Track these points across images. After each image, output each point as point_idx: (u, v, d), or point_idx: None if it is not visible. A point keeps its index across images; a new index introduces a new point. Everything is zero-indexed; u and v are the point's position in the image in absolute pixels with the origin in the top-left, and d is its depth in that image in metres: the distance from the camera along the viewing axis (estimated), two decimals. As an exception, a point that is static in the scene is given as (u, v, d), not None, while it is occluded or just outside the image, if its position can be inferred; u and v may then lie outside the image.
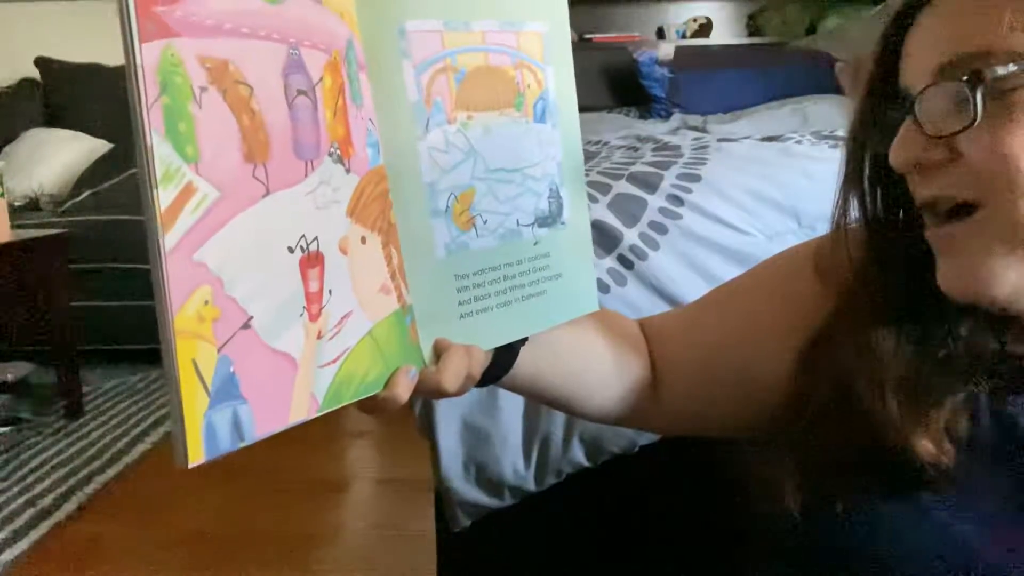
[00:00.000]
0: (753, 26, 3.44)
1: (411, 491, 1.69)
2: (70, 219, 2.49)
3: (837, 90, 2.54)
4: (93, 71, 3.34)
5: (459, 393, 0.51)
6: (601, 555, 0.91)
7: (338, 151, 0.44)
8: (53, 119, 3.27)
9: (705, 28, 3.41)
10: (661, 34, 3.49)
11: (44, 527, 1.58)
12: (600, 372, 0.62)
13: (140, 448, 1.95)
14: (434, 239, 0.50)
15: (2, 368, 2.31)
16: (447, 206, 0.50)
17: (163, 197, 0.35)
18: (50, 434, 2.05)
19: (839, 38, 2.85)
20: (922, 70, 0.43)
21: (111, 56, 3.37)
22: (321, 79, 0.43)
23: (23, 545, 1.52)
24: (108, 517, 1.66)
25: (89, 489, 1.74)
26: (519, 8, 0.54)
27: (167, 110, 0.36)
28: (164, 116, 0.36)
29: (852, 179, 0.50)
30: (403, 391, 0.47)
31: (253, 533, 1.60)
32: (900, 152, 0.43)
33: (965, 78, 0.40)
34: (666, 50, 3.15)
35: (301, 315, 0.41)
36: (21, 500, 1.69)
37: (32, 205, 2.85)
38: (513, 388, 0.60)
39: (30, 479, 1.79)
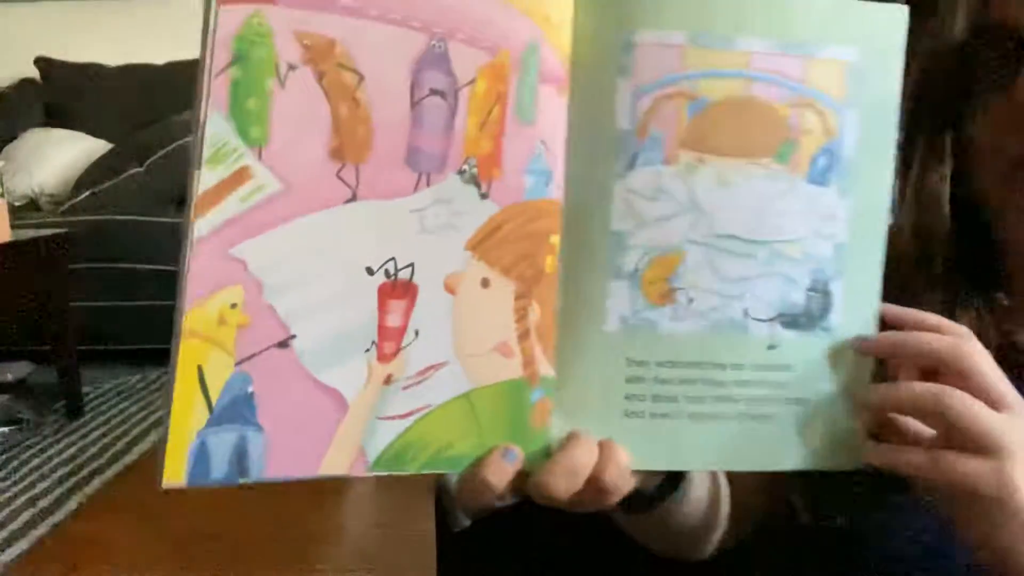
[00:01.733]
0: (753, 26, 3.43)
1: (411, 491, 1.69)
2: (70, 219, 2.48)
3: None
4: (93, 71, 3.34)
5: (569, 506, 0.39)
6: (602, 554, 0.91)
7: (474, 169, 0.37)
8: (53, 119, 3.27)
9: (705, 28, 3.40)
10: (661, 34, 3.48)
11: (44, 527, 1.58)
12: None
13: (140, 448, 1.94)
14: (606, 305, 0.40)
15: (2, 368, 2.30)
16: (636, 268, 0.40)
17: (206, 178, 0.31)
18: (50, 434, 2.04)
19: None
20: None
21: (111, 56, 3.37)
22: (473, 81, 0.36)
23: (23, 545, 1.52)
24: (108, 517, 1.66)
25: (89, 489, 1.73)
26: (816, 25, 0.40)
27: (235, 84, 0.31)
28: (230, 89, 0.31)
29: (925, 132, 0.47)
30: (494, 477, 0.37)
31: (253, 533, 1.59)
32: None
33: None
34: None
35: (368, 350, 0.35)
36: (21, 500, 1.69)
37: (32, 205, 2.85)
38: (631, 526, 0.48)
39: (30, 479, 1.79)
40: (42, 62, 3.39)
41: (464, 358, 0.38)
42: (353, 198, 0.34)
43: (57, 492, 1.72)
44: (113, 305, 2.44)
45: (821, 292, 0.41)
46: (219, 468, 0.33)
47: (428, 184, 0.36)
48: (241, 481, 0.33)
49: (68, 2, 3.55)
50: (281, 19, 0.31)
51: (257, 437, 0.33)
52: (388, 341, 0.35)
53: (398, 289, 0.35)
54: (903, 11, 0.40)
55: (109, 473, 1.81)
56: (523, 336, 0.39)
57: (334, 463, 0.35)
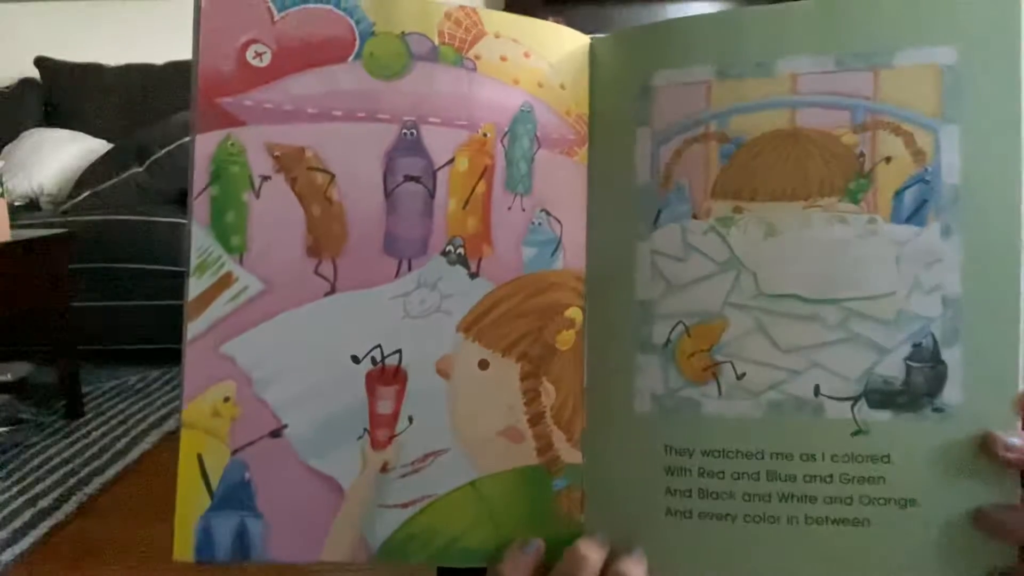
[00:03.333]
0: (753, 26, 3.43)
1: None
2: (70, 219, 2.48)
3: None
4: (93, 71, 3.34)
5: None
6: None
7: (460, 249, 0.36)
8: (53, 119, 3.27)
9: (705, 28, 3.41)
10: (661, 34, 3.48)
11: (44, 527, 1.58)
12: None
13: (140, 448, 1.94)
14: (635, 384, 0.35)
15: (2, 368, 2.30)
16: (668, 339, 0.34)
17: (194, 286, 0.34)
18: (50, 434, 2.04)
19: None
20: None
21: (111, 56, 3.37)
22: (451, 161, 0.36)
23: (23, 545, 1.52)
24: (108, 517, 1.66)
25: (89, 489, 1.73)
26: (888, 26, 0.32)
27: (214, 201, 0.34)
28: (210, 206, 0.34)
29: None
30: (513, 572, 0.35)
31: (253, 533, 1.59)
32: None
33: None
34: (666, 50, 3.15)
35: (360, 438, 0.36)
36: (21, 500, 1.69)
37: (32, 205, 2.85)
38: None
39: (30, 479, 1.79)
40: (42, 62, 3.39)
41: (466, 445, 0.36)
42: (332, 291, 0.35)
43: (57, 492, 1.72)
44: (113, 305, 2.44)
45: (928, 361, 0.32)
46: (223, 549, 0.34)
47: (410, 269, 0.36)
48: (245, 563, 0.34)
49: (68, 2, 3.55)
50: (251, 136, 0.34)
51: (256, 522, 0.35)
52: (381, 428, 0.36)
53: (386, 375, 0.36)
54: None
55: (109, 473, 1.81)
56: (535, 419, 0.37)
57: (335, 549, 0.35)
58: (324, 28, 0.34)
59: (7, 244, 1.94)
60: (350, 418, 0.36)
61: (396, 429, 0.36)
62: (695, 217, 0.34)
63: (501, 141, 0.37)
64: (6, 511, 1.64)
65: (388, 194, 0.36)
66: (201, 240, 0.34)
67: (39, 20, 3.56)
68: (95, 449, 1.94)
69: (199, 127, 0.33)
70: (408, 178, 0.36)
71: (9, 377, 2.28)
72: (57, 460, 1.88)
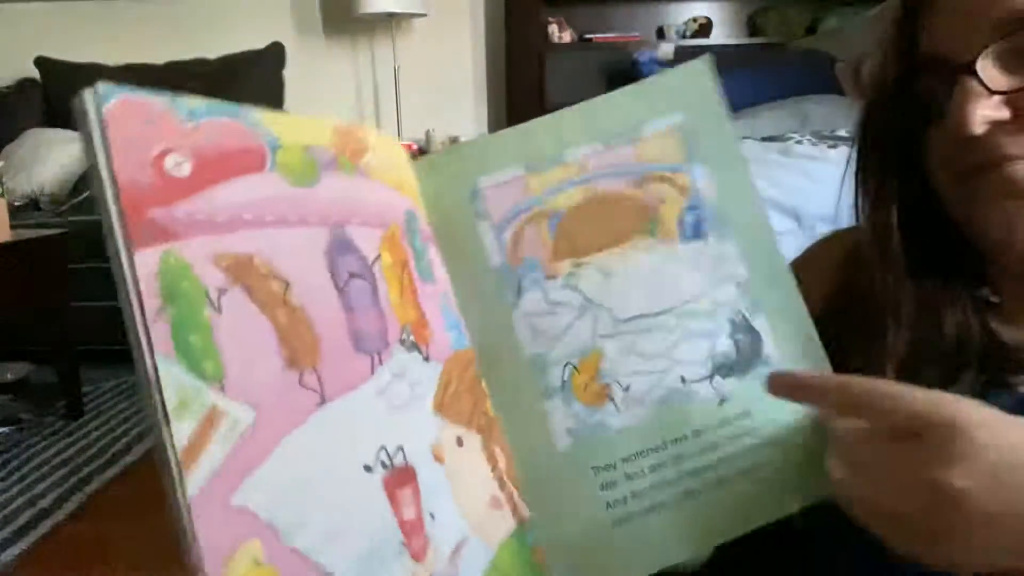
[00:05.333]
0: (753, 26, 3.44)
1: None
2: (70, 219, 2.48)
3: (837, 90, 2.53)
4: (93, 71, 3.34)
5: None
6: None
7: (411, 337, 0.37)
8: (53, 119, 3.27)
9: (705, 28, 3.41)
10: (661, 34, 3.49)
11: (44, 527, 1.58)
12: None
13: (140, 448, 1.94)
14: (550, 426, 0.40)
15: (2, 368, 2.30)
16: (563, 381, 0.40)
17: (179, 432, 0.27)
18: (50, 434, 2.04)
19: (839, 38, 2.85)
20: (966, 33, 0.42)
21: (111, 56, 3.37)
22: (379, 257, 0.37)
23: (23, 545, 1.52)
24: (108, 517, 1.66)
25: (89, 489, 1.73)
26: (633, 111, 0.43)
27: (174, 324, 0.29)
28: (172, 331, 0.29)
29: (872, 168, 0.50)
30: None
31: (253, 533, 1.59)
32: (975, 113, 0.41)
33: None
34: (666, 50, 3.15)
35: (400, 554, 0.32)
36: (21, 500, 1.69)
37: (32, 205, 2.85)
38: None
39: (30, 479, 1.79)
40: (42, 62, 3.39)
41: (474, 527, 0.36)
42: (323, 401, 0.32)
43: (57, 492, 1.72)
44: (113, 305, 2.41)
45: (745, 331, 0.41)
46: None
47: (381, 363, 0.35)
48: None
49: (68, 2, 3.55)
50: (192, 249, 0.30)
51: None
52: (414, 536, 0.33)
53: (399, 477, 0.34)
54: (705, 60, 0.44)
55: (109, 473, 1.81)
56: (501, 484, 0.38)
57: None
58: (236, 139, 0.32)
59: (7, 244, 1.94)
60: (385, 536, 0.32)
61: (425, 531, 0.34)
62: (549, 278, 0.42)
63: (404, 237, 0.39)
64: (6, 511, 1.64)
65: (340, 292, 0.34)
66: (172, 375, 0.28)
67: (39, 20, 3.56)
68: (95, 449, 1.94)
69: (134, 244, 0.28)
70: (352, 275, 0.35)
71: (9, 377, 2.28)
72: (57, 460, 1.88)
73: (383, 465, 0.33)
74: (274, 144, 0.34)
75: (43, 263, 2.05)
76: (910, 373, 0.45)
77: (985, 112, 0.41)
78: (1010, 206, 0.42)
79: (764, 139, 1.31)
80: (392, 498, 0.33)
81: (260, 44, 3.34)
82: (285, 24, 3.57)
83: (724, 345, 0.41)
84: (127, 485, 1.79)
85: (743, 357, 0.41)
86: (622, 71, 3.21)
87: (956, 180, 0.45)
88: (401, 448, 0.34)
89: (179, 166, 0.30)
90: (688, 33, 3.40)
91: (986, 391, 0.45)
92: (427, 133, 3.46)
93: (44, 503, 1.67)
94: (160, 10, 3.56)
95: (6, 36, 3.51)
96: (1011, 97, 0.41)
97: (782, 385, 0.39)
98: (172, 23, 3.57)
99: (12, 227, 2.01)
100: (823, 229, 0.56)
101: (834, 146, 1.16)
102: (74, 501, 1.68)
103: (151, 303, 0.29)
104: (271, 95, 3.32)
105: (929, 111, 0.45)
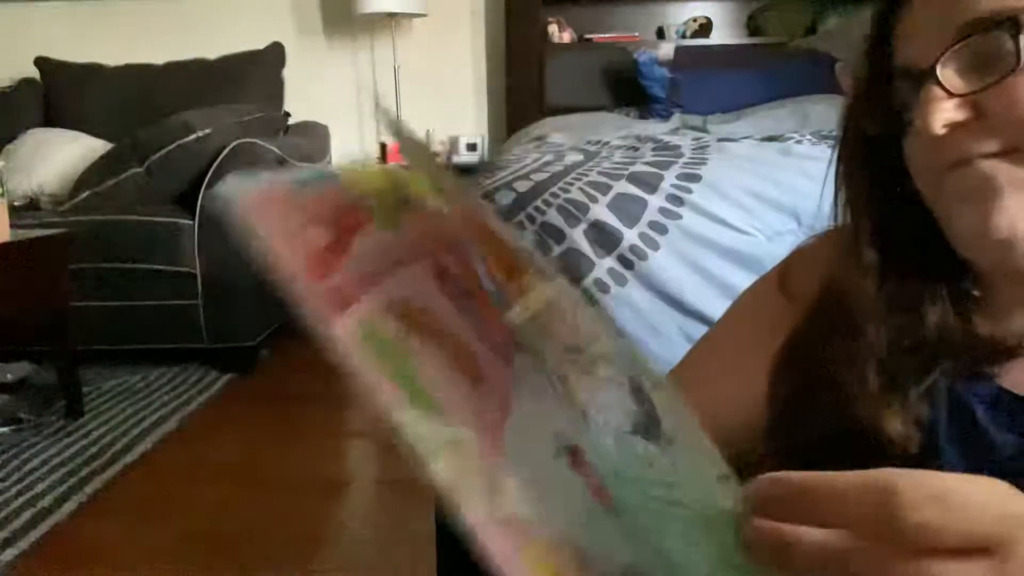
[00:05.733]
0: (753, 26, 3.44)
1: (411, 491, 1.69)
2: (70, 219, 2.49)
3: (837, 90, 2.54)
4: (93, 71, 3.34)
5: None
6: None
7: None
8: (53, 119, 3.27)
9: (705, 28, 3.41)
10: (661, 34, 3.49)
11: (44, 527, 1.58)
12: None
13: (140, 448, 1.95)
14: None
15: (2, 368, 2.31)
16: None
17: (443, 477, 0.29)
18: (50, 434, 2.04)
19: (839, 38, 2.85)
20: (931, 41, 0.45)
21: (111, 56, 3.38)
22: (460, 273, 0.37)
23: (23, 545, 1.52)
24: (108, 517, 1.66)
25: (89, 489, 1.74)
26: None
27: (395, 376, 0.30)
28: (399, 385, 0.30)
29: (853, 170, 0.53)
30: None
31: (253, 533, 1.60)
32: (936, 116, 0.44)
33: (1001, 28, 0.42)
34: (666, 50, 3.16)
35: (608, 512, 0.34)
36: (21, 500, 1.69)
37: (32, 205, 2.85)
38: None
39: (30, 479, 1.79)
40: (42, 62, 3.39)
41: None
42: (506, 408, 0.34)
43: (57, 492, 1.72)
44: (113, 305, 2.44)
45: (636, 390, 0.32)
46: None
47: (510, 363, 0.36)
48: None
49: (68, 2, 3.56)
50: (368, 308, 0.32)
51: None
52: (602, 497, 0.35)
53: (576, 458, 0.34)
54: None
55: (109, 473, 1.81)
56: None
57: None
58: (338, 199, 0.34)
59: (7, 244, 1.94)
60: (586, 505, 0.34)
61: (609, 492, 0.35)
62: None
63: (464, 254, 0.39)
64: (6, 511, 1.64)
65: (460, 312, 0.36)
66: (415, 425, 0.30)
67: (39, 20, 3.57)
68: (95, 449, 1.94)
69: (326, 321, 0.30)
70: (460, 293, 0.36)
71: (9, 377, 2.28)
72: (57, 460, 1.88)
73: (567, 450, 0.34)
74: (363, 198, 0.35)
75: (43, 263, 2.06)
76: (890, 367, 0.47)
77: (946, 115, 0.44)
78: (977, 202, 0.44)
79: (764, 139, 1.31)
80: (580, 473, 0.34)
81: (260, 44, 3.35)
82: (285, 24, 3.57)
83: (629, 402, 0.32)
84: (127, 485, 1.79)
85: (651, 421, 0.32)
86: (622, 71, 3.21)
87: (931, 181, 0.47)
88: (554, 432, 0.35)
89: (319, 236, 0.32)
90: (688, 33, 3.41)
91: (968, 381, 0.46)
92: (427, 133, 3.47)
93: (44, 503, 1.67)
94: (160, 10, 3.56)
95: (6, 36, 3.52)
96: (971, 99, 0.44)
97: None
98: (172, 23, 3.58)
99: (12, 227, 2.01)
100: (823, 228, 0.56)
101: (834, 146, 1.16)
102: (74, 501, 1.68)
103: (367, 365, 0.30)
104: (271, 95, 3.32)
105: (902, 117, 0.48)
